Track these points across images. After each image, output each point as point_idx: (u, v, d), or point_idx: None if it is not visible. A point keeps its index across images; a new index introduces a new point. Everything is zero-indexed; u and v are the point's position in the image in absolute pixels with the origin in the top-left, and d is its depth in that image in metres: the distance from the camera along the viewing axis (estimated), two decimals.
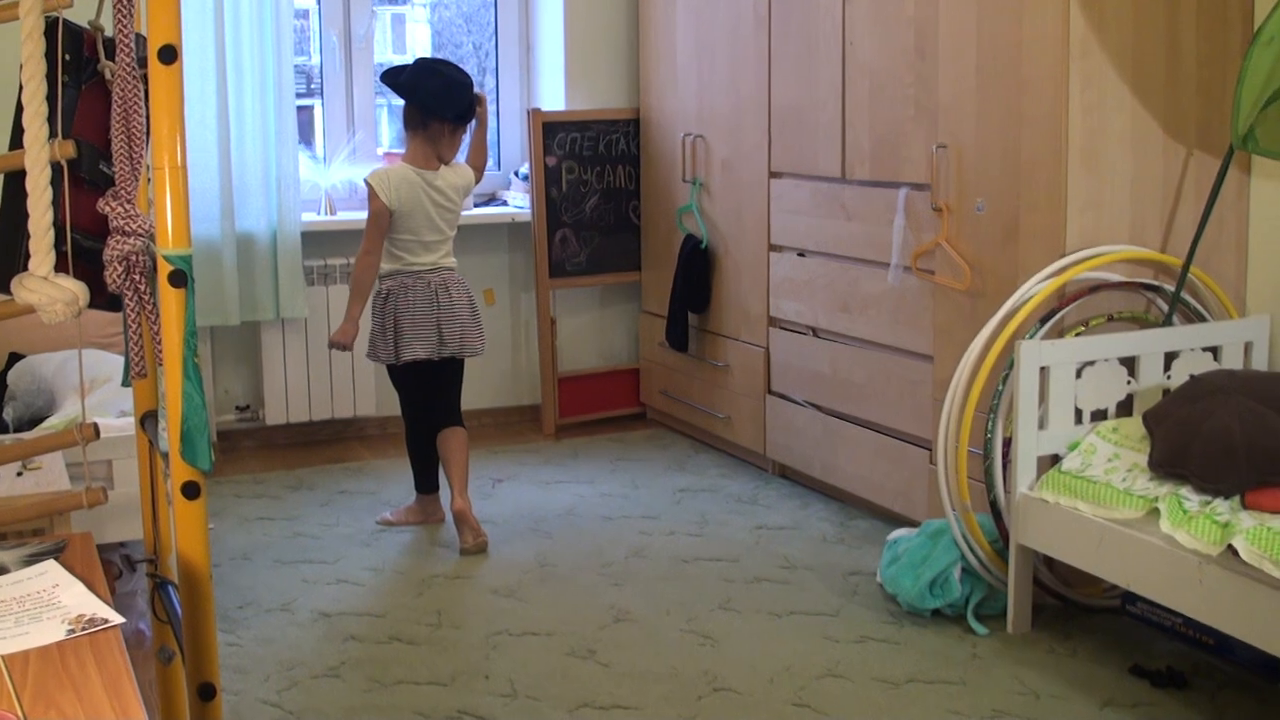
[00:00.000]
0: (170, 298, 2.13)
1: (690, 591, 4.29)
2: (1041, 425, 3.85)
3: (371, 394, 5.82)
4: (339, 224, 5.70)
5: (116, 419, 4.03)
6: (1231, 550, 3.15)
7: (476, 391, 6.23)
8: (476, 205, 6.11)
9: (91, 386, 4.09)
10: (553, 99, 6.18)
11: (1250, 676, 3.62)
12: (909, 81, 4.50)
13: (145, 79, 2.17)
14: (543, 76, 6.29)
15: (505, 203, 6.24)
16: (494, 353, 6.13)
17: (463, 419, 4.82)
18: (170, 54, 2.05)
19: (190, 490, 2.19)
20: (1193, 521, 3.31)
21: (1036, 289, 3.93)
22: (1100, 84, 3.92)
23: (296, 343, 5.72)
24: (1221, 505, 3.31)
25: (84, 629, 1.71)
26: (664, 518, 5.00)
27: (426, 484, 4.90)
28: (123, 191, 2.24)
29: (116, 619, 1.72)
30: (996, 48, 4.11)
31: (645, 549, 4.67)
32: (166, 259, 2.11)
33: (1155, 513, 3.43)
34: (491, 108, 6.18)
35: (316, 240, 5.66)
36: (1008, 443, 3.91)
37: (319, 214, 5.77)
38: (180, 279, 2.12)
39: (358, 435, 5.97)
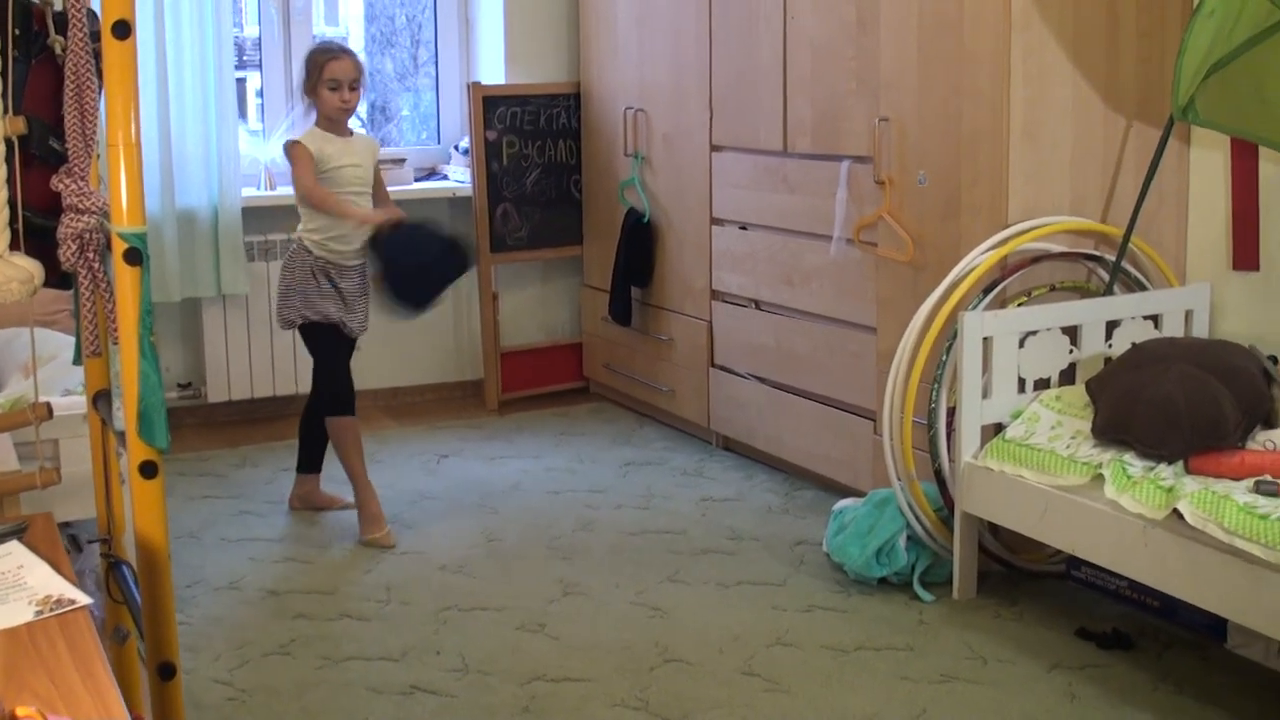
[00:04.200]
0: (126, 275, 2.11)
1: (638, 564, 4.31)
2: (985, 394, 3.89)
3: (302, 370, 5.79)
4: (279, 199, 5.65)
5: (62, 398, 3.99)
6: (1176, 514, 3.21)
7: (418, 367, 6.23)
8: (417, 180, 6.10)
9: (36, 365, 4.05)
10: (493, 73, 6.16)
11: (1195, 637, 3.69)
12: (850, 55, 4.52)
13: (97, 54, 2.16)
14: (482, 50, 6.27)
15: (445, 177, 6.21)
16: (436, 328, 6.12)
17: None
18: (124, 29, 2.03)
19: (148, 469, 2.19)
20: (1137, 486, 3.36)
21: (979, 260, 3.97)
22: (1041, 56, 3.95)
23: (238, 319, 5.68)
24: (1165, 470, 3.37)
25: (52, 610, 1.70)
26: (610, 491, 5.02)
27: (317, 463, 4.83)
28: (76, 168, 2.22)
29: (84, 599, 1.72)
30: (938, 20, 4.14)
31: (592, 523, 4.69)
32: (122, 236, 2.10)
33: (1099, 479, 3.48)
34: (429, 80, 6.17)
35: (256, 215, 5.61)
36: (952, 412, 3.95)
37: (258, 189, 5.73)
38: (135, 256, 2.11)
39: (299, 412, 5.92)
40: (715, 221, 5.34)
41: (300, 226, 4.56)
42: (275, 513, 4.77)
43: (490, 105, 5.95)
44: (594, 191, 6.15)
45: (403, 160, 5.96)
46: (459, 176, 6.12)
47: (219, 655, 3.66)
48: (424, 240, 4.51)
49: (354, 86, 4.50)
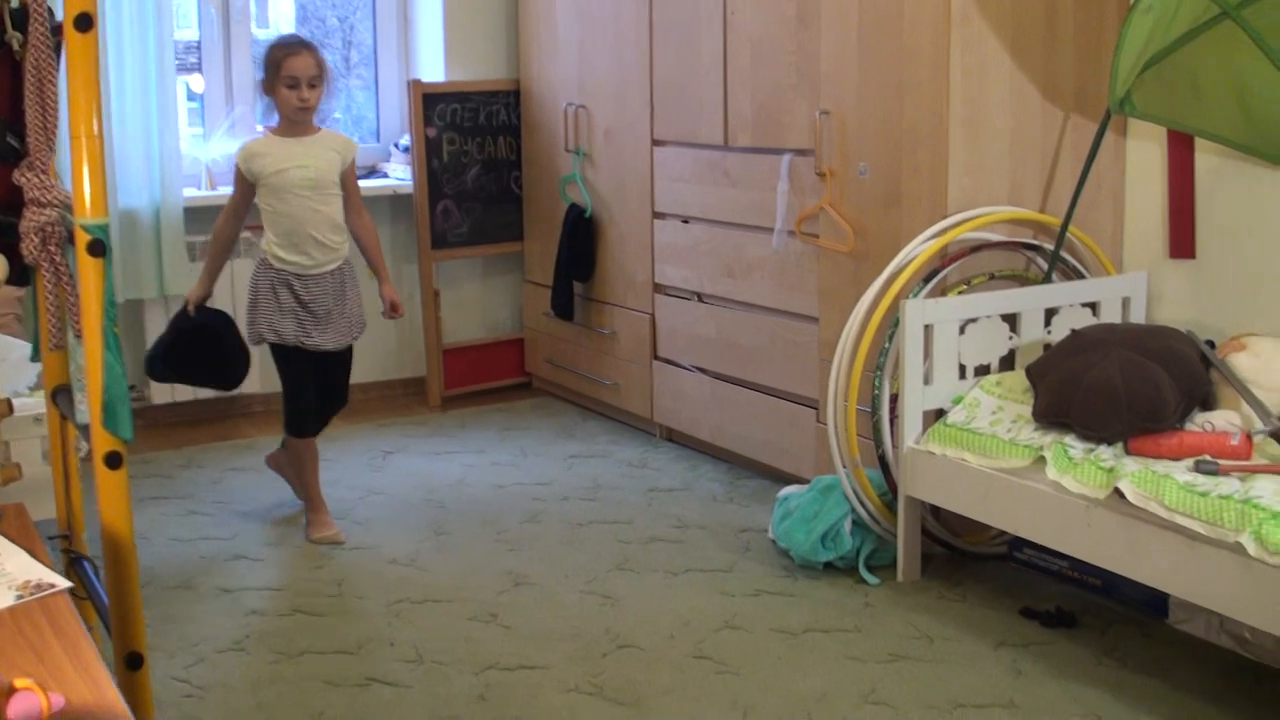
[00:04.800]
0: (89, 267, 2.14)
1: (587, 554, 4.35)
2: (927, 381, 3.96)
3: (256, 371, 5.78)
4: (220, 199, 5.63)
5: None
6: (1118, 493, 3.29)
7: (360, 365, 6.18)
8: (358, 178, 6.08)
9: None
10: (432, 70, 6.18)
11: (1137, 614, 3.78)
12: (791, 49, 4.58)
13: (57, 48, 2.18)
14: (421, 47, 6.28)
15: (386, 175, 6.22)
16: (378, 326, 6.11)
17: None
18: (86, 22, 2.06)
19: (113, 460, 2.21)
20: (1078, 468, 3.44)
21: (920, 250, 4.04)
22: (980, 49, 4.03)
23: None
24: (1105, 452, 3.45)
25: (32, 594, 1.72)
26: (556, 484, 5.05)
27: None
28: (38, 163, 2.24)
29: (64, 584, 1.74)
30: (878, 14, 4.20)
31: (539, 515, 4.72)
32: (85, 228, 2.12)
33: (1041, 461, 3.56)
34: (365, 78, 6.18)
35: (198, 216, 5.60)
36: (894, 399, 4.02)
37: (199, 189, 5.71)
38: (99, 248, 2.14)
39: (243, 412, 5.94)
40: (657, 215, 5.39)
41: (263, 239, 4.47)
42: (223, 512, 4.77)
43: (430, 102, 5.97)
44: (534, 187, 6.19)
45: None
46: (399, 174, 6.13)
47: (174, 653, 3.66)
48: (213, 341, 4.51)
49: (314, 84, 4.34)
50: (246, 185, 4.39)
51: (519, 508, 4.80)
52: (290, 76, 4.31)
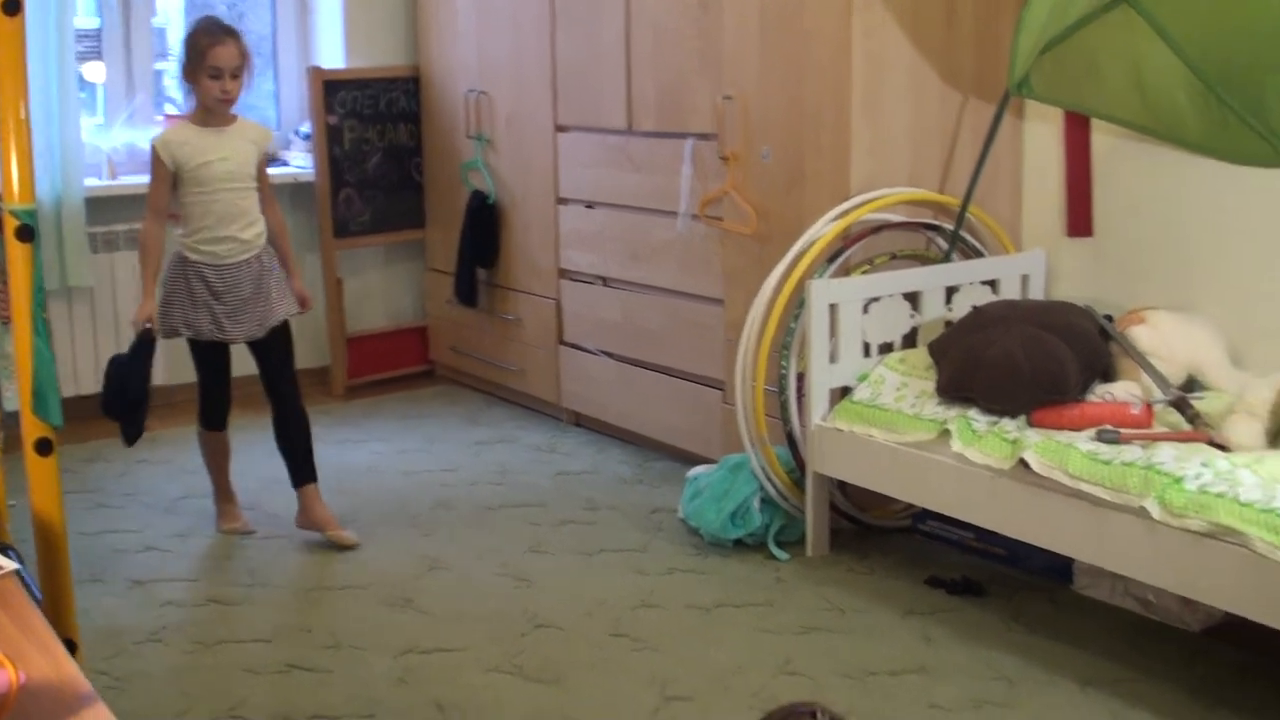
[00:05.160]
0: (18, 253, 2.14)
1: (499, 537, 4.39)
2: (832, 359, 4.04)
3: (159, 362, 5.73)
4: (122, 188, 5.59)
5: None
6: (1022, 463, 3.39)
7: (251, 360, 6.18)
8: None
9: None
10: (332, 57, 6.16)
11: (1042, 581, 3.90)
12: (692, 34, 4.64)
13: None
14: (320, 34, 6.25)
15: (287, 163, 6.18)
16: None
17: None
18: (14, 5, 2.06)
19: (43, 447, 2.22)
20: (982, 440, 3.54)
21: (823, 231, 4.12)
22: (881, 34, 4.11)
23: (83, 312, 5.59)
24: (1009, 424, 3.55)
25: None
26: (464, 470, 5.08)
27: (306, 473, 4.51)
28: None
29: (10, 565, 1.75)
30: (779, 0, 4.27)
31: (449, 500, 4.75)
32: (13, 214, 2.12)
33: (946, 434, 3.65)
34: (261, 62, 6.13)
35: (99, 206, 5.54)
36: (801, 377, 4.09)
37: (101, 179, 5.65)
38: (28, 233, 2.14)
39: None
40: (561, 201, 5.42)
41: (179, 231, 4.30)
42: (131, 505, 4.74)
43: (330, 90, 5.95)
44: (435, 175, 6.19)
45: None
46: (300, 162, 6.10)
47: (92, 646, 3.64)
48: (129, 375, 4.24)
49: (236, 74, 4.18)
50: (167, 176, 4.21)
51: (429, 494, 4.82)
52: (214, 67, 4.14)
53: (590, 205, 5.28)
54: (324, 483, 4.85)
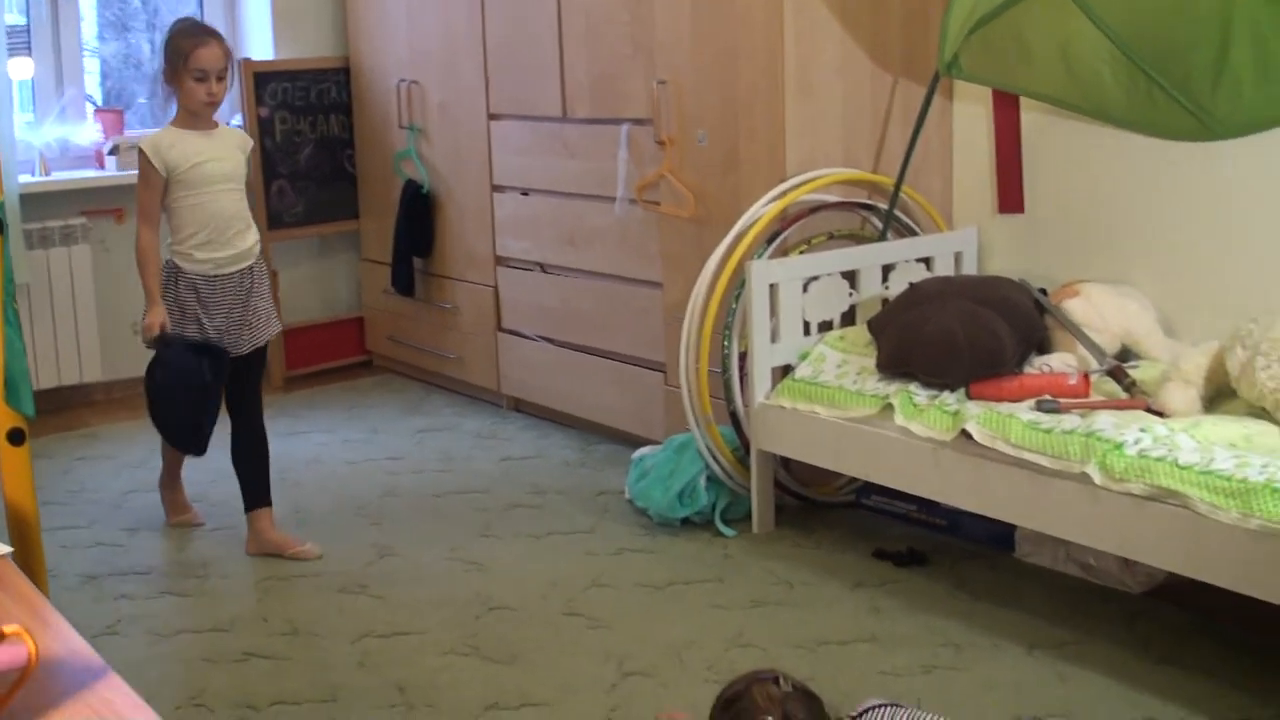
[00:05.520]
0: None
1: (448, 523, 4.43)
2: (774, 338, 4.12)
3: (97, 359, 5.73)
4: (54, 184, 5.57)
5: None
6: (965, 434, 3.48)
7: None
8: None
9: None
10: (261, 48, 6.15)
11: (984, 550, 4.00)
12: (625, 20, 4.69)
13: None
14: (249, 26, 6.24)
15: None
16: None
17: None
18: None
19: (16, 436, 2.24)
20: (924, 413, 3.62)
21: (761, 212, 4.18)
22: (811, 16, 4.18)
23: (20, 309, 5.56)
24: (949, 397, 3.63)
25: None
26: (408, 458, 5.11)
27: (262, 495, 4.36)
28: None
29: (5, 548, 1.78)
30: None
31: (396, 488, 4.78)
32: None
33: (888, 409, 3.74)
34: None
35: (33, 203, 5.51)
36: (743, 357, 4.17)
37: (33, 175, 5.62)
38: None
39: (85, 401, 5.87)
40: (496, 188, 5.46)
41: (169, 241, 4.14)
42: (76, 501, 4.73)
43: (261, 82, 5.95)
44: (368, 165, 6.20)
45: None
46: None
47: None
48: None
49: (221, 76, 4.05)
50: (159, 181, 4.04)
51: (375, 482, 4.85)
52: (199, 69, 4.01)
53: (526, 192, 5.32)
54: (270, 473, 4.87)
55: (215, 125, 4.19)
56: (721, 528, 4.22)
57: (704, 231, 4.47)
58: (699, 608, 3.72)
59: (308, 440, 5.35)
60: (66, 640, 1.53)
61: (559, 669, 3.41)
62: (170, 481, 4.54)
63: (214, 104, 4.10)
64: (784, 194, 4.20)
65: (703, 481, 4.25)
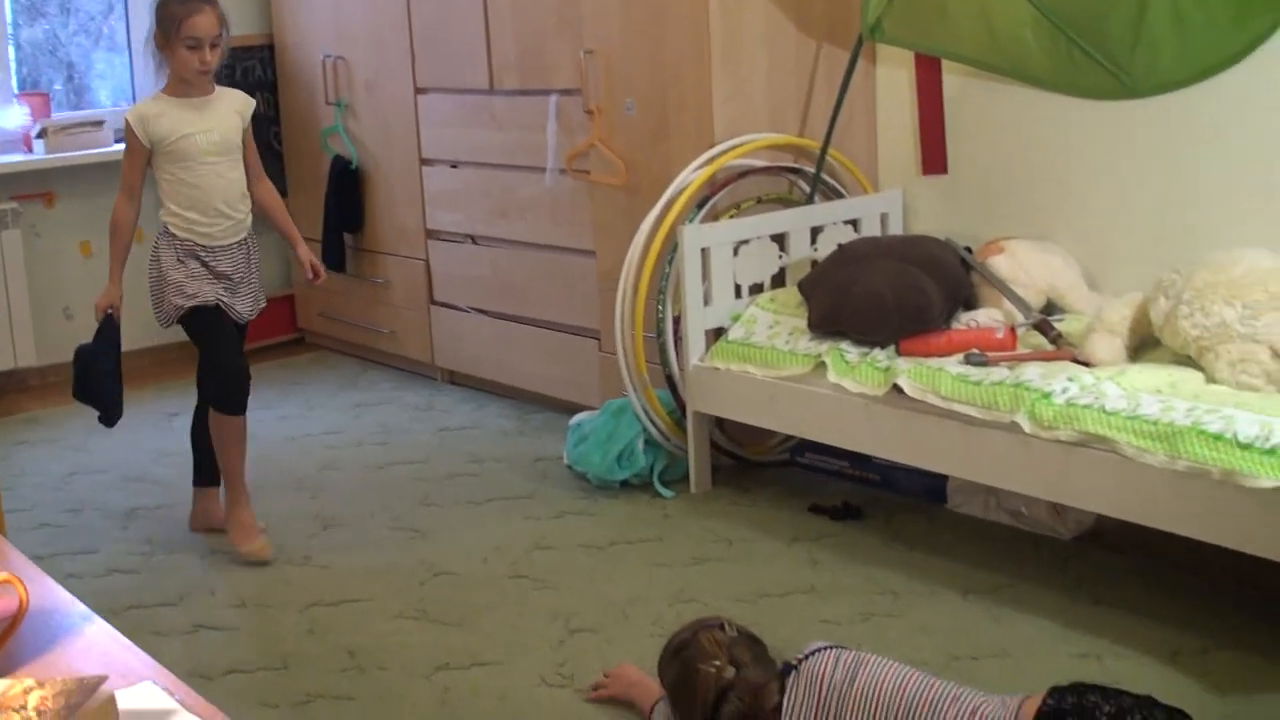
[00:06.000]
0: None
1: (388, 494, 4.47)
2: (707, 302, 4.19)
3: (31, 344, 5.70)
4: None
5: None
6: (896, 389, 3.57)
7: (134, 331, 6.14)
8: (116, 141, 6.02)
9: None
10: None
11: (917, 502, 4.10)
12: None
13: None
14: None
15: None
16: (144, 292, 6.03)
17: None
18: None
19: None
20: (856, 370, 3.72)
21: (690, 178, 4.25)
22: None
23: None
24: (879, 354, 3.73)
25: None
26: (346, 432, 5.15)
27: (215, 475, 4.24)
28: None
29: None
30: None
31: (335, 462, 4.82)
32: None
33: (820, 367, 3.82)
34: (118, 41, 6.08)
35: None
36: (677, 321, 4.24)
37: None
38: None
39: (19, 387, 5.84)
40: (425, 162, 5.49)
41: (161, 209, 3.99)
42: (18, 485, 4.70)
43: None
44: (295, 142, 6.21)
45: (100, 123, 5.88)
46: None
47: None
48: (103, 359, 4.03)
49: (215, 44, 3.86)
50: (142, 153, 3.92)
51: (314, 456, 4.88)
52: (192, 37, 3.81)
53: (455, 165, 5.36)
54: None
55: (211, 91, 3.99)
56: (660, 489, 4.30)
57: (635, 199, 4.53)
58: (641, 566, 3.80)
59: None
60: (52, 592, 1.58)
61: (507, 629, 3.47)
62: (237, 488, 4.09)
63: (207, 71, 3.91)
64: (712, 160, 4.27)
65: (640, 444, 4.32)
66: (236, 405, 4.05)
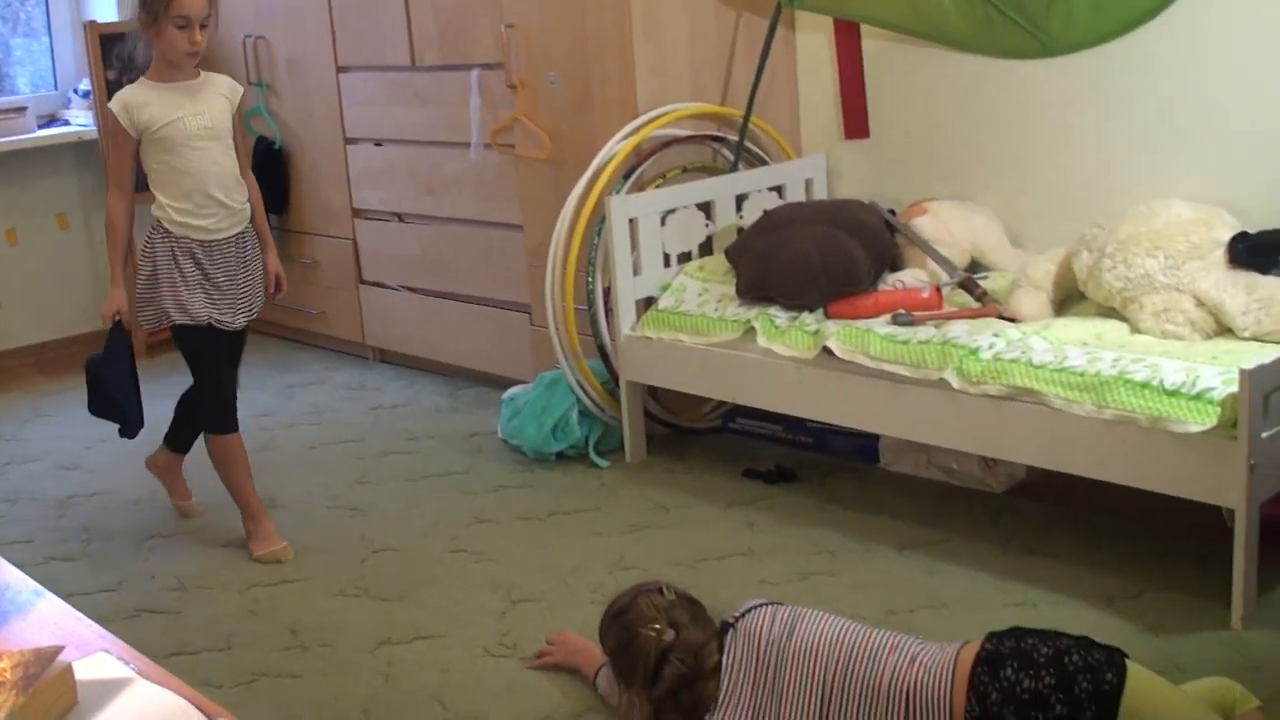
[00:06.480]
0: None
1: (325, 473, 4.48)
2: (636, 271, 4.22)
3: None
4: None
5: None
6: (826, 351, 3.62)
7: (61, 320, 6.14)
8: (39, 127, 5.97)
9: None
10: (105, 10, 6.08)
11: (849, 463, 4.16)
12: None
13: None
14: None
15: (67, 122, 6.09)
16: (72, 279, 6.05)
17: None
18: None
19: None
20: (785, 334, 3.76)
21: (616, 149, 4.28)
22: None
23: None
24: (808, 318, 3.78)
25: None
26: (279, 413, 5.14)
27: (185, 446, 4.28)
28: None
29: None
30: None
31: (270, 443, 4.82)
32: None
33: (750, 333, 3.87)
34: (35, 26, 6.03)
35: None
36: (607, 292, 4.27)
37: None
38: None
39: None
40: (349, 141, 5.48)
41: (154, 204, 3.83)
42: None
43: (107, 44, 5.87)
44: None
45: (23, 109, 5.82)
46: (81, 120, 6.02)
47: None
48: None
49: (204, 24, 3.67)
50: (130, 143, 3.74)
51: (248, 438, 4.75)
52: (181, 16, 3.62)
53: (379, 143, 5.35)
54: (141, 436, 4.85)
55: (198, 74, 3.81)
56: (596, 459, 4.33)
57: (561, 172, 4.55)
58: (580, 535, 3.83)
59: (175, 402, 5.33)
60: (1, 569, 1.59)
61: (449, 602, 3.50)
62: (252, 505, 4.02)
63: (195, 53, 3.72)
64: (637, 130, 4.29)
65: (574, 415, 4.35)
66: (228, 425, 3.98)
